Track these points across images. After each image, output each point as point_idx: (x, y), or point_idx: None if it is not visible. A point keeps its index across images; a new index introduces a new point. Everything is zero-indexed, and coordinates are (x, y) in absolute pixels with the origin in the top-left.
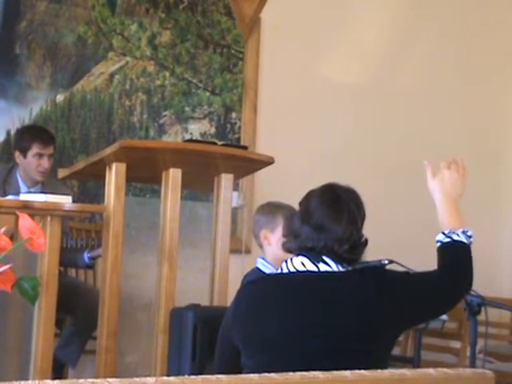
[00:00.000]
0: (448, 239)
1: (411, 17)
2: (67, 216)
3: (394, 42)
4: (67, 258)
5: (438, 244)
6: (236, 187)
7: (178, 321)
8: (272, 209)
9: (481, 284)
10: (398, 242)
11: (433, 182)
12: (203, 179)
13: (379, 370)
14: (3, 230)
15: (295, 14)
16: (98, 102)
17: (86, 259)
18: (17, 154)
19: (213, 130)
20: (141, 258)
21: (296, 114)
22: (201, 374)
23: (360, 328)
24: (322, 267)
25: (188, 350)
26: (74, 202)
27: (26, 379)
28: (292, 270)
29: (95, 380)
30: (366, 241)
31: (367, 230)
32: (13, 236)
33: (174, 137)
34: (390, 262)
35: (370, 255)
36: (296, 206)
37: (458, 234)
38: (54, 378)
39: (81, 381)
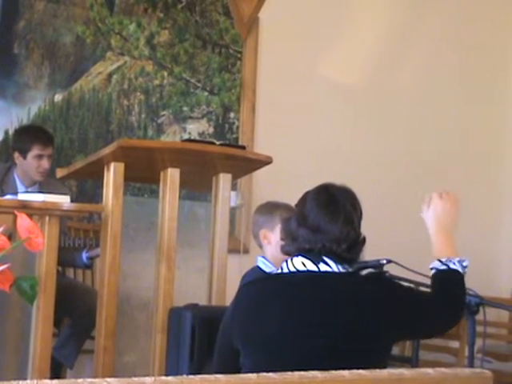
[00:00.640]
0: (444, 267)
1: (410, 16)
2: (65, 216)
3: (392, 41)
4: (65, 257)
5: (433, 271)
6: (234, 187)
7: (176, 320)
8: (270, 208)
9: (479, 284)
10: (396, 241)
11: (427, 212)
12: (201, 179)
13: (378, 370)
14: (1, 229)
15: (293, 13)
16: (96, 102)
17: (84, 259)
18: (16, 154)
19: (211, 130)
20: (139, 258)
21: (294, 113)
22: (199, 373)
23: (359, 328)
24: (323, 267)
25: (186, 350)
26: (72, 201)
27: (25, 379)
28: (292, 269)
29: (93, 380)
30: (364, 239)
31: (365, 230)
32: (11, 236)
33: (172, 136)
34: (389, 261)
35: (368, 255)
36: (293, 205)
37: (454, 263)
38: (52, 378)
39: (79, 380)
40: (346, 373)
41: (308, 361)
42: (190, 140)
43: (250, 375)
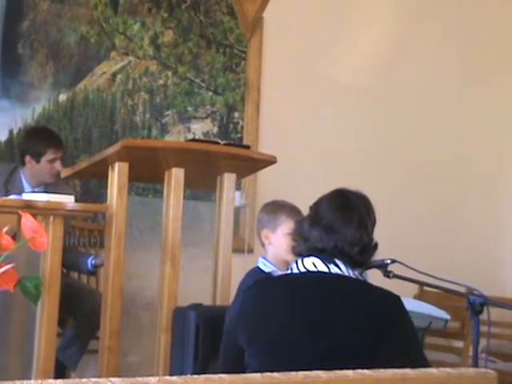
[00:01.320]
0: None
1: (414, 15)
2: (70, 215)
3: (396, 40)
4: (70, 260)
5: None
6: (238, 187)
7: (180, 320)
8: (275, 208)
9: (483, 283)
10: (400, 241)
11: None
12: (206, 179)
13: (381, 370)
14: (6, 229)
15: (298, 13)
16: (100, 102)
17: (90, 266)
18: (28, 158)
19: (215, 130)
20: (143, 258)
21: (298, 113)
22: (203, 373)
23: (365, 332)
24: (333, 269)
25: (190, 350)
26: (76, 201)
27: (29, 379)
28: (302, 270)
29: (98, 379)
30: (376, 245)
31: None
32: (15, 235)
33: (176, 136)
34: (393, 261)
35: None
36: (299, 206)
37: None
38: (56, 379)
39: (83, 380)
40: (349, 372)
41: (312, 362)
42: (194, 140)
43: (254, 375)
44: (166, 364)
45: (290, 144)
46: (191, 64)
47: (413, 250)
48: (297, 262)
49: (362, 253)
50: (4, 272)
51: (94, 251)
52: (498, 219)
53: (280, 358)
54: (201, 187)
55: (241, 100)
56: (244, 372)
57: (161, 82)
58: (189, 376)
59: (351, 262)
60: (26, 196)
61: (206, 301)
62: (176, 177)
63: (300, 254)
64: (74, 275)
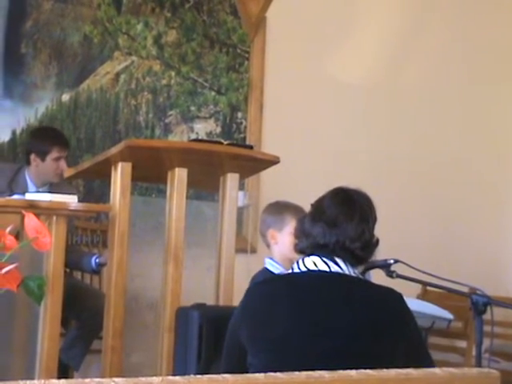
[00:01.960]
0: None
1: (418, 15)
2: (73, 215)
3: (400, 40)
4: (73, 259)
5: None
6: (242, 187)
7: (183, 320)
8: (280, 208)
9: (487, 283)
10: (405, 241)
11: None
12: (209, 179)
13: (385, 370)
14: (9, 229)
15: (301, 13)
16: (103, 102)
17: (93, 264)
18: (33, 156)
19: (218, 130)
20: (146, 258)
21: (302, 113)
22: (206, 373)
23: (367, 331)
24: (334, 268)
25: (194, 350)
26: (79, 201)
27: (32, 378)
28: (303, 269)
29: (101, 379)
30: (378, 241)
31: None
32: (18, 235)
33: (179, 136)
34: (396, 261)
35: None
36: (302, 206)
37: None
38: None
39: (87, 380)
40: (353, 372)
41: (315, 362)
42: (197, 140)
43: (257, 375)
44: (169, 364)
45: (293, 144)
46: (194, 64)
47: (416, 250)
48: (298, 262)
49: (363, 248)
50: (7, 272)
51: (97, 251)
52: (502, 219)
53: (283, 357)
54: (204, 187)
55: (244, 100)
56: (247, 372)
57: (164, 81)
58: (192, 376)
59: (352, 259)
60: (29, 196)
61: (209, 301)
62: (179, 177)
63: (302, 251)
64: (78, 275)
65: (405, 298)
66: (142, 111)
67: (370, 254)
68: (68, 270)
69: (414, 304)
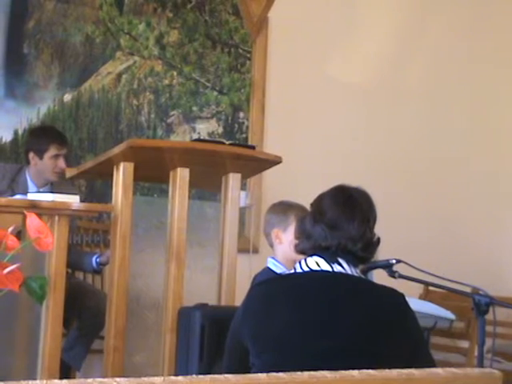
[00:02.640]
0: None
1: (420, 15)
2: (75, 215)
3: (402, 40)
4: (74, 259)
5: None
6: (244, 187)
7: (185, 320)
8: (284, 208)
9: (489, 284)
10: (407, 241)
11: None
12: (211, 179)
13: (387, 370)
14: (11, 229)
15: (303, 13)
16: (105, 102)
17: (94, 264)
18: (31, 155)
19: (220, 130)
20: (148, 258)
21: (304, 113)
22: (208, 373)
23: (369, 331)
24: (336, 268)
25: (196, 350)
26: (81, 201)
27: (34, 379)
28: (306, 269)
29: (103, 379)
30: (379, 240)
31: (375, 230)
32: (20, 235)
33: (181, 136)
34: (398, 261)
35: (378, 255)
36: (304, 205)
37: None
38: (61, 379)
39: (89, 380)
40: (355, 372)
41: (318, 362)
42: (199, 140)
43: (259, 375)
44: (171, 364)
45: (295, 144)
46: (196, 64)
47: (418, 250)
48: (300, 262)
49: (364, 249)
50: (9, 272)
51: (99, 251)
52: (504, 219)
53: (285, 357)
54: (206, 187)
55: (246, 100)
56: (249, 372)
57: (166, 81)
58: (194, 376)
59: (354, 259)
60: (31, 196)
61: (211, 301)
62: (181, 177)
63: (303, 252)
64: (79, 276)
65: (407, 297)
66: (143, 111)
67: (372, 253)
68: (70, 271)
69: (416, 304)
